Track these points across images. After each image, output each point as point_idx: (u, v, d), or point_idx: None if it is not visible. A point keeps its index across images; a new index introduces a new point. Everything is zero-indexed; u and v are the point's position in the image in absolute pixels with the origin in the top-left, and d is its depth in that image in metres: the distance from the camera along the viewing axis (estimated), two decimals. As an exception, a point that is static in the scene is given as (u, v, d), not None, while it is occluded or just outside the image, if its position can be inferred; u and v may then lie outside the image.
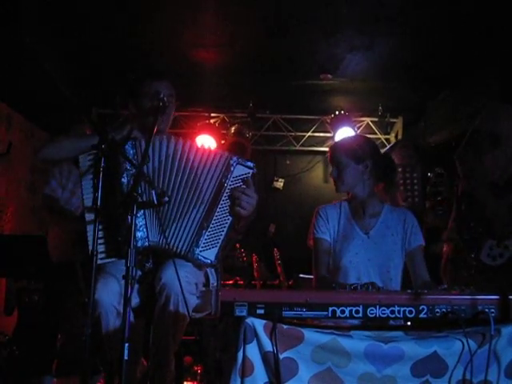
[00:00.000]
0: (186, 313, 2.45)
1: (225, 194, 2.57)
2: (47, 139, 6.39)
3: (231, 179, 2.57)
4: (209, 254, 2.58)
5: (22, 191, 6.04)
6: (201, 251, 2.57)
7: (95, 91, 5.99)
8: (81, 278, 3.36)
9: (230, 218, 2.58)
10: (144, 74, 2.85)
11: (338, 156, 2.95)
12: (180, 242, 2.59)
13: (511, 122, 3.09)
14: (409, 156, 5.07)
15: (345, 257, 2.80)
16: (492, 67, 4.60)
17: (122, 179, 2.53)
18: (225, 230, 2.58)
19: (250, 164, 2.59)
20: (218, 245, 2.58)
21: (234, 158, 2.58)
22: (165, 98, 2.52)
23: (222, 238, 2.58)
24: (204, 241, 2.57)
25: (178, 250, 2.59)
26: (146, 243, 2.55)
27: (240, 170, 2.58)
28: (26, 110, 5.97)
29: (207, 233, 2.57)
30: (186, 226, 2.59)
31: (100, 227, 2.43)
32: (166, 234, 2.56)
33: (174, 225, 2.59)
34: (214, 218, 2.57)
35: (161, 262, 2.61)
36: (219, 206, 2.57)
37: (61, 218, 3.55)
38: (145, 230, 2.54)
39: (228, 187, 2.57)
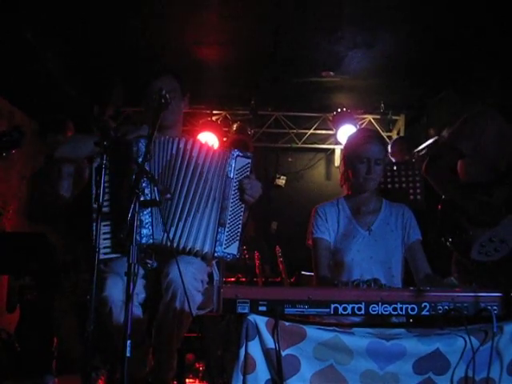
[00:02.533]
0: (192, 310, 2.44)
1: (233, 188, 2.66)
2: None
3: (235, 172, 2.66)
4: (232, 249, 2.65)
5: (24, 189, 6.03)
6: (225, 248, 2.63)
7: (97, 89, 5.98)
8: (83, 275, 3.36)
9: (242, 209, 2.67)
10: (148, 75, 2.90)
11: (381, 151, 2.84)
12: (197, 241, 2.61)
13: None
14: (409, 153, 5.07)
15: (347, 255, 2.77)
16: (493, 65, 4.59)
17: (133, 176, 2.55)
18: (241, 221, 2.67)
19: (248, 154, 2.73)
20: (238, 238, 2.66)
21: (234, 152, 2.69)
22: (167, 95, 2.51)
23: (240, 230, 2.66)
24: (226, 238, 2.64)
25: (195, 249, 2.61)
26: (151, 240, 2.56)
27: (241, 162, 2.69)
28: (28, 107, 5.96)
29: (226, 229, 2.64)
30: (200, 224, 2.62)
31: (108, 223, 2.50)
32: (171, 232, 2.58)
33: (181, 223, 2.60)
34: (230, 213, 2.64)
35: (167, 258, 2.60)
36: (231, 200, 2.65)
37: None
38: (150, 227, 2.55)
39: (234, 180, 2.66)
